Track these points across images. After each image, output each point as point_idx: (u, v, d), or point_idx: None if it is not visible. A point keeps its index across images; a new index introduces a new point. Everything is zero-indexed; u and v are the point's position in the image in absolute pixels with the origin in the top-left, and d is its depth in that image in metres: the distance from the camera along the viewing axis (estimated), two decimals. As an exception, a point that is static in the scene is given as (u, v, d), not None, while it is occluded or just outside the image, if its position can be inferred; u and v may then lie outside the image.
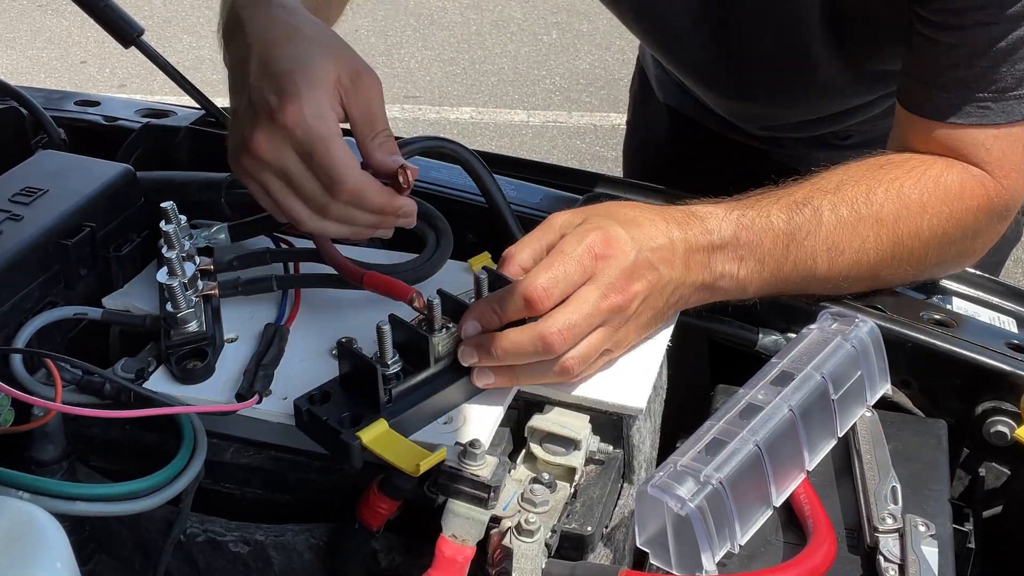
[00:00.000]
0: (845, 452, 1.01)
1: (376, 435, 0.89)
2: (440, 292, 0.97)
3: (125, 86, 5.00)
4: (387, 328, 0.92)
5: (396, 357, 0.93)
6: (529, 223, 1.21)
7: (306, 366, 1.01)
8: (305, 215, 0.98)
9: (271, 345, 1.02)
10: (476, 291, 0.98)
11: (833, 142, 1.55)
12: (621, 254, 0.97)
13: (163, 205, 1.05)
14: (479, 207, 1.23)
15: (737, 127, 1.60)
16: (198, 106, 1.39)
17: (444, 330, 0.95)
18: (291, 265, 1.13)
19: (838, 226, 1.08)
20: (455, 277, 1.12)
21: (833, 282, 1.11)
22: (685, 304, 1.05)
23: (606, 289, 0.95)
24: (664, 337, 1.06)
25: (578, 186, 1.35)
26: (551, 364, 0.95)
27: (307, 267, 1.12)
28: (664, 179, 1.36)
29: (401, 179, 0.99)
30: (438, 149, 1.17)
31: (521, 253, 1.00)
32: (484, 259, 1.14)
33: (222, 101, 1.22)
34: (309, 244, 1.14)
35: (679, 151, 1.74)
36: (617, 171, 1.80)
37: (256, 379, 0.97)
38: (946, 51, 1.11)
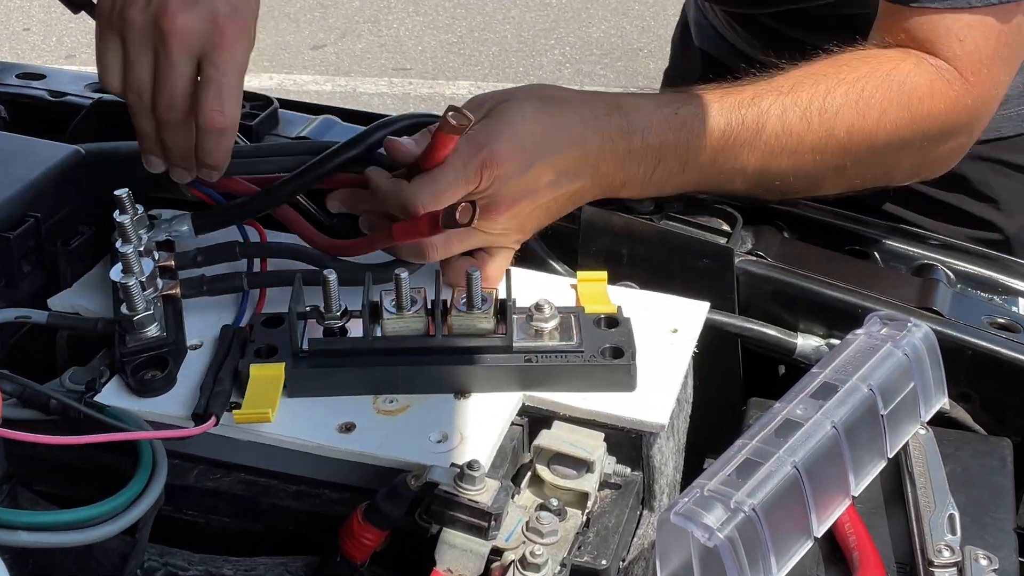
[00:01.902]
0: (896, 475, 1.01)
1: (265, 375, 0.96)
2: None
3: (74, 56, 5.00)
4: (332, 278, 0.99)
5: (343, 310, 0.99)
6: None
7: (280, 376, 1.01)
8: (144, 122, 1.07)
9: (229, 352, 1.02)
10: (468, 289, 0.99)
11: None
12: (512, 169, 1.05)
13: (117, 193, 1.05)
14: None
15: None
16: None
17: (401, 310, 0.99)
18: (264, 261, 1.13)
19: (781, 135, 1.16)
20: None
21: (759, 188, 1.21)
22: (578, 204, 1.15)
23: (483, 210, 1.04)
24: (689, 344, 1.06)
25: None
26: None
27: (283, 264, 1.12)
28: None
29: (456, 219, 1.00)
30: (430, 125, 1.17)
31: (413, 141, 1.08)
32: (599, 279, 1.12)
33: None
34: (286, 237, 1.14)
35: None
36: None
37: (212, 396, 0.97)
38: None
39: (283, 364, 0.98)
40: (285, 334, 1.00)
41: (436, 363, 0.99)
